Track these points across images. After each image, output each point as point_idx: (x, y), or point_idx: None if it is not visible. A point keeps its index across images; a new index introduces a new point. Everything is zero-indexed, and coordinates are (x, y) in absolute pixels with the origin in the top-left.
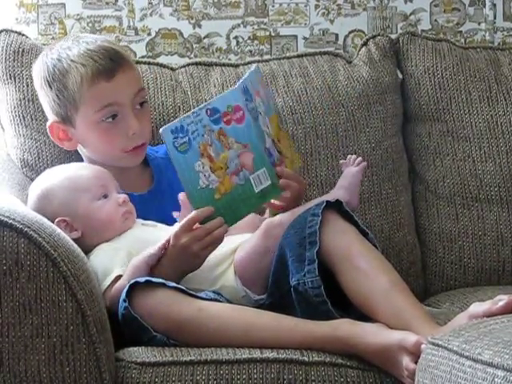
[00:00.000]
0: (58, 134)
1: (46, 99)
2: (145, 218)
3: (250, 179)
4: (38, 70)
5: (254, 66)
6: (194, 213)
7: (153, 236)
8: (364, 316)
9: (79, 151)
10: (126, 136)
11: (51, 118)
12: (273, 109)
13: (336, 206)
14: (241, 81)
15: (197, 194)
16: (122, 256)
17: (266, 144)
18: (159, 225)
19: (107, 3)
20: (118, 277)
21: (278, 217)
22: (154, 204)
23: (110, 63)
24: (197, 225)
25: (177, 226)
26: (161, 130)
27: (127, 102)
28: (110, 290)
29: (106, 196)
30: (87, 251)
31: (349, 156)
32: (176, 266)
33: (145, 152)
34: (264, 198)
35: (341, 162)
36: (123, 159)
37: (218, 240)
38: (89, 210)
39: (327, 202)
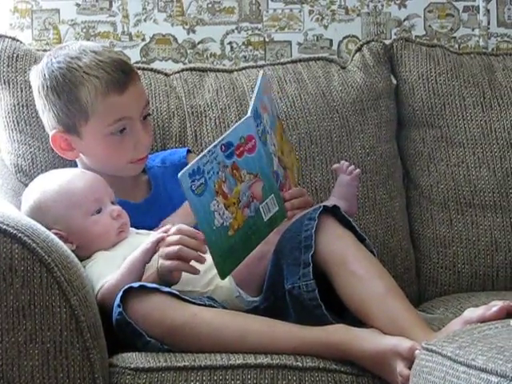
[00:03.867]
0: (61, 144)
1: (52, 108)
2: (140, 227)
3: (260, 209)
4: (43, 79)
5: (260, 73)
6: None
7: None
8: (358, 321)
9: (76, 159)
10: (132, 149)
11: (54, 127)
12: (276, 115)
13: (333, 211)
14: (252, 104)
15: (212, 233)
16: (117, 262)
17: (273, 167)
18: (152, 233)
19: (101, 9)
20: None
21: None
22: (149, 213)
23: (123, 76)
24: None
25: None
26: (179, 175)
27: (136, 115)
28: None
29: (100, 210)
30: (82, 260)
31: (342, 162)
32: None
33: (145, 162)
34: (271, 225)
35: (334, 166)
36: (126, 169)
37: (187, 267)
38: (83, 226)
39: (324, 206)
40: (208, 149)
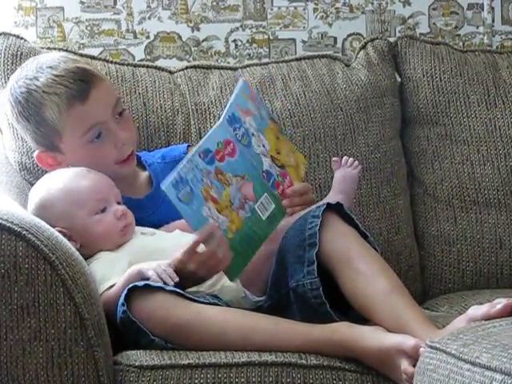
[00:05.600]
0: (48, 162)
1: (27, 132)
2: (141, 222)
3: (256, 209)
4: (11, 107)
5: (240, 80)
6: (196, 236)
7: (153, 245)
8: (363, 318)
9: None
10: (115, 149)
11: (36, 147)
12: (266, 117)
13: (336, 209)
14: (225, 111)
15: None
16: (122, 265)
17: (263, 167)
18: (158, 232)
19: (106, 6)
20: (114, 285)
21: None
22: (151, 208)
23: (82, 85)
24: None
25: (180, 252)
26: (162, 186)
27: (108, 117)
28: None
29: (104, 209)
30: (86, 258)
31: (345, 157)
32: (182, 284)
33: (135, 158)
34: (273, 222)
35: (334, 159)
36: (116, 170)
37: (224, 263)
38: (86, 225)
39: (328, 204)
40: (186, 158)
